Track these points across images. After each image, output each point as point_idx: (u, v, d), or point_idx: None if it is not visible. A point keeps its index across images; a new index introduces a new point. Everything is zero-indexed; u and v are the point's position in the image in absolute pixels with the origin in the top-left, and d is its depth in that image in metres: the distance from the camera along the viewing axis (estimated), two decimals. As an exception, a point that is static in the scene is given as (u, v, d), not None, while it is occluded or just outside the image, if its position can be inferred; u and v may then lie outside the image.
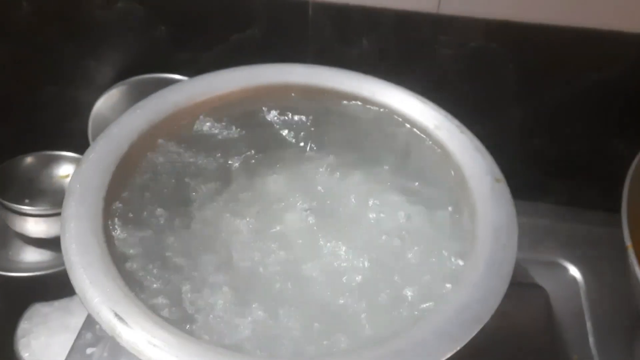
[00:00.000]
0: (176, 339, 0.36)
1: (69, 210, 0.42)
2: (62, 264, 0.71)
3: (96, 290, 0.38)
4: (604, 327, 0.60)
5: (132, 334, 0.36)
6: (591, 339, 0.60)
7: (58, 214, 0.71)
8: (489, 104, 0.68)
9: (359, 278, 0.42)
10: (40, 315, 0.72)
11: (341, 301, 0.41)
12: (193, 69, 0.72)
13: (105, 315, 0.37)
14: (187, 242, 0.44)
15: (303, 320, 0.39)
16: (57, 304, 0.73)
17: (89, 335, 0.56)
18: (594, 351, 0.59)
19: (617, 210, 0.54)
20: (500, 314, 0.60)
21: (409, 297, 0.41)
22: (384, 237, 0.46)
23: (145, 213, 0.45)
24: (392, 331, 0.39)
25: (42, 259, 0.76)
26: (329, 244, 0.45)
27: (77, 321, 0.70)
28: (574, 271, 0.65)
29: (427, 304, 0.41)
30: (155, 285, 0.40)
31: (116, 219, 0.43)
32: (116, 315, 0.37)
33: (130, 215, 0.44)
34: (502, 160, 0.51)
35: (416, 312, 0.40)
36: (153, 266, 0.41)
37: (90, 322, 0.57)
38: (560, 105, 0.67)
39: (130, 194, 0.46)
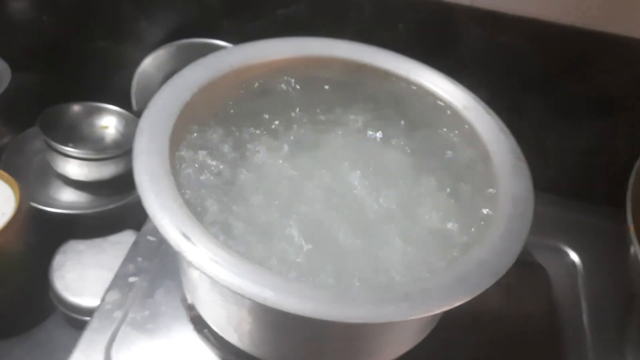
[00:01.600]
0: (234, 258, 0.41)
1: (141, 145, 0.47)
2: (98, 206, 0.77)
3: (165, 213, 0.43)
4: (597, 308, 0.66)
5: (196, 251, 0.41)
6: (585, 317, 0.65)
7: (99, 159, 0.77)
8: (510, 95, 0.72)
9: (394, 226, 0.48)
10: (75, 252, 0.78)
11: (380, 251, 0.47)
12: (238, 38, 0.76)
13: (174, 234, 0.42)
14: (242, 178, 0.49)
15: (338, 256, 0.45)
16: (90, 242, 0.79)
17: (131, 267, 0.61)
18: (587, 328, 0.64)
19: (618, 205, 0.60)
20: (506, 288, 0.66)
21: (435, 250, 0.47)
22: (414, 198, 0.51)
23: (206, 152, 0.50)
24: (417, 277, 0.44)
25: (80, 200, 0.81)
26: (369, 198, 0.50)
27: (109, 260, 0.75)
28: (573, 256, 0.71)
29: (451, 258, 0.46)
30: (215, 213, 0.46)
31: (181, 155, 0.49)
32: (183, 234, 0.42)
33: (193, 153, 0.50)
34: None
35: (440, 264, 0.46)
36: (213, 196, 0.47)
37: (132, 255, 0.62)
38: (576, 102, 0.72)
39: (192, 136, 0.51)
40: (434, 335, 0.55)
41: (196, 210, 0.45)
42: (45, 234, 0.77)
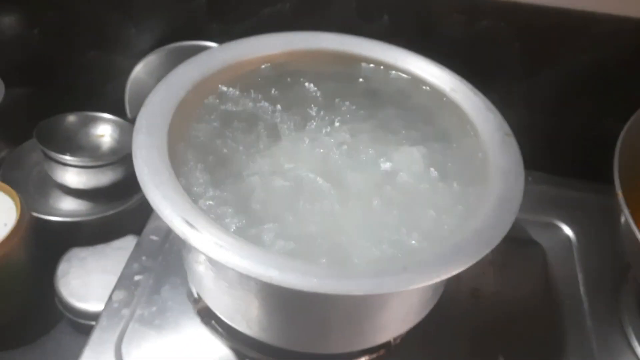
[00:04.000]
0: (237, 242, 0.43)
1: (139, 141, 0.49)
2: (98, 212, 0.78)
3: (168, 202, 0.44)
4: (593, 278, 0.67)
5: (201, 237, 0.42)
6: (581, 289, 0.67)
7: (96, 167, 0.78)
8: (495, 78, 0.74)
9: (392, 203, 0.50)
10: (78, 258, 0.79)
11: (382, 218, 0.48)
12: (227, 39, 0.78)
13: (178, 222, 0.43)
14: (235, 168, 0.51)
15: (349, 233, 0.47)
16: (92, 248, 0.80)
17: (135, 266, 0.62)
18: (583, 298, 0.66)
19: (609, 179, 0.61)
20: (502, 266, 0.68)
21: (431, 221, 0.48)
22: (405, 177, 0.53)
23: (203, 144, 0.52)
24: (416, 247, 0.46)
25: (80, 207, 0.82)
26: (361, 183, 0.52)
27: (113, 265, 0.76)
28: (567, 230, 0.72)
29: (446, 229, 0.48)
30: (212, 201, 0.47)
31: (179, 148, 0.50)
32: (186, 222, 0.43)
33: (190, 146, 0.51)
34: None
35: (436, 236, 0.47)
36: (210, 185, 0.48)
37: (136, 255, 0.63)
38: (560, 82, 0.74)
39: (189, 130, 0.53)
40: (435, 312, 0.56)
41: (197, 198, 0.46)
42: (48, 243, 0.78)
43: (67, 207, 0.82)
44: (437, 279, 0.43)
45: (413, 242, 0.47)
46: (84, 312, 0.75)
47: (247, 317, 0.52)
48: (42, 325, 0.78)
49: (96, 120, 0.86)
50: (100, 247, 0.80)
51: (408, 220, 0.48)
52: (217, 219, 0.45)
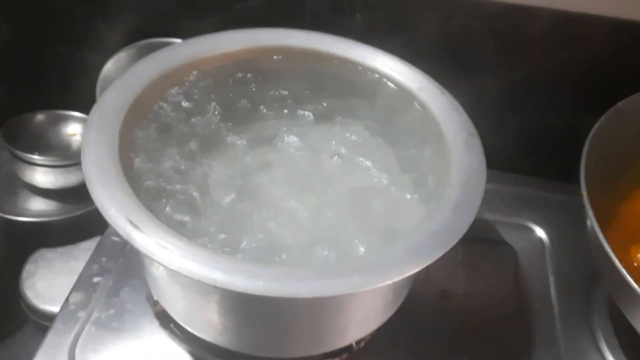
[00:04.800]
0: (182, 243, 0.41)
1: (89, 137, 0.47)
2: (66, 212, 0.77)
3: (113, 202, 0.43)
4: (564, 281, 0.66)
5: (145, 238, 0.41)
6: (552, 291, 0.65)
7: (65, 166, 0.77)
8: (468, 79, 0.73)
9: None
10: (45, 260, 0.77)
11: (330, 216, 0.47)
12: (198, 35, 0.77)
13: (121, 223, 0.42)
14: (195, 167, 0.50)
15: (295, 234, 0.45)
16: (60, 250, 0.78)
17: (95, 267, 0.61)
18: (554, 301, 0.64)
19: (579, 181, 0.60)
20: (473, 267, 0.66)
21: (388, 223, 0.47)
22: (366, 175, 0.51)
23: (154, 143, 0.50)
24: (371, 248, 0.45)
25: (48, 208, 0.80)
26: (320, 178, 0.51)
27: (80, 266, 0.74)
28: (539, 232, 0.71)
29: (404, 229, 0.46)
30: (163, 200, 0.46)
31: (130, 147, 0.49)
32: (130, 222, 0.42)
33: (141, 145, 0.50)
34: (479, 134, 0.56)
35: (393, 235, 0.46)
36: (160, 184, 0.47)
37: (96, 256, 0.62)
38: (533, 82, 0.73)
39: (142, 128, 0.51)
40: (401, 314, 0.55)
41: (144, 198, 0.45)
42: (15, 244, 0.77)
43: (36, 207, 0.81)
44: (389, 281, 0.41)
45: (369, 242, 0.45)
46: (49, 315, 0.73)
47: (202, 321, 0.51)
48: (7, 328, 0.77)
49: (67, 118, 0.85)
50: (68, 248, 0.79)
51: (363, 220, 0.47)
52: (164, 218, 0.44)
